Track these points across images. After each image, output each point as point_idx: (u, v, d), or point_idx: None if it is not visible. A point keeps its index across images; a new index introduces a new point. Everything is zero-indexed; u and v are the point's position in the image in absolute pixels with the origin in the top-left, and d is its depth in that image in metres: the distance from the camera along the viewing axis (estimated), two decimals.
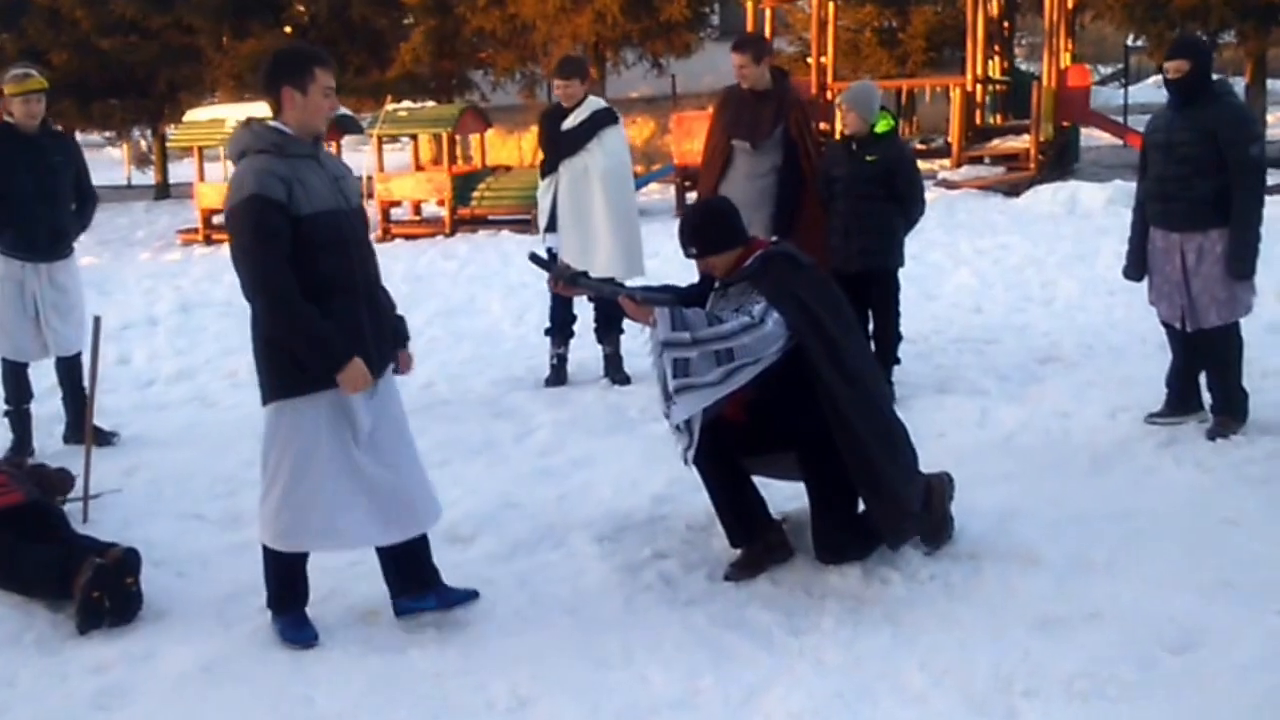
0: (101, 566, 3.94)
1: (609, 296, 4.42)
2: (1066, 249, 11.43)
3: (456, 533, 4.78)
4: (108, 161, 29.79)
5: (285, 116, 3.78)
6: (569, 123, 7.12)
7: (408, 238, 15.12)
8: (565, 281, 4.55)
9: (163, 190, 23.44)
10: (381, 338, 3.98)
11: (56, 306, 6.19)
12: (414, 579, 4.09)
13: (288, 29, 21.56)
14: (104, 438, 6.31)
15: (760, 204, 6.68)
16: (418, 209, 16.37)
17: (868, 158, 6.48)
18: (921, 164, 17.74)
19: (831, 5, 18.09)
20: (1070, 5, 17.87)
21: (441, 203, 15.41)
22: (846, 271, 6.63)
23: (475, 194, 15.28)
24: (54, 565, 4.06)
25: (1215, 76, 5.78)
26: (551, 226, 7.20)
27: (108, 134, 25.96)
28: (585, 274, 4.78)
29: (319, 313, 3.70)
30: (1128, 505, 4.88)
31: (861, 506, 4.38)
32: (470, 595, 4.17)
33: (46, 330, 6.16)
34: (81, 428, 6.31)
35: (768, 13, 18.14)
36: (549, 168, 7.19)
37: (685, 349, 4.10)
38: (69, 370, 6.35)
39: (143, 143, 27.86)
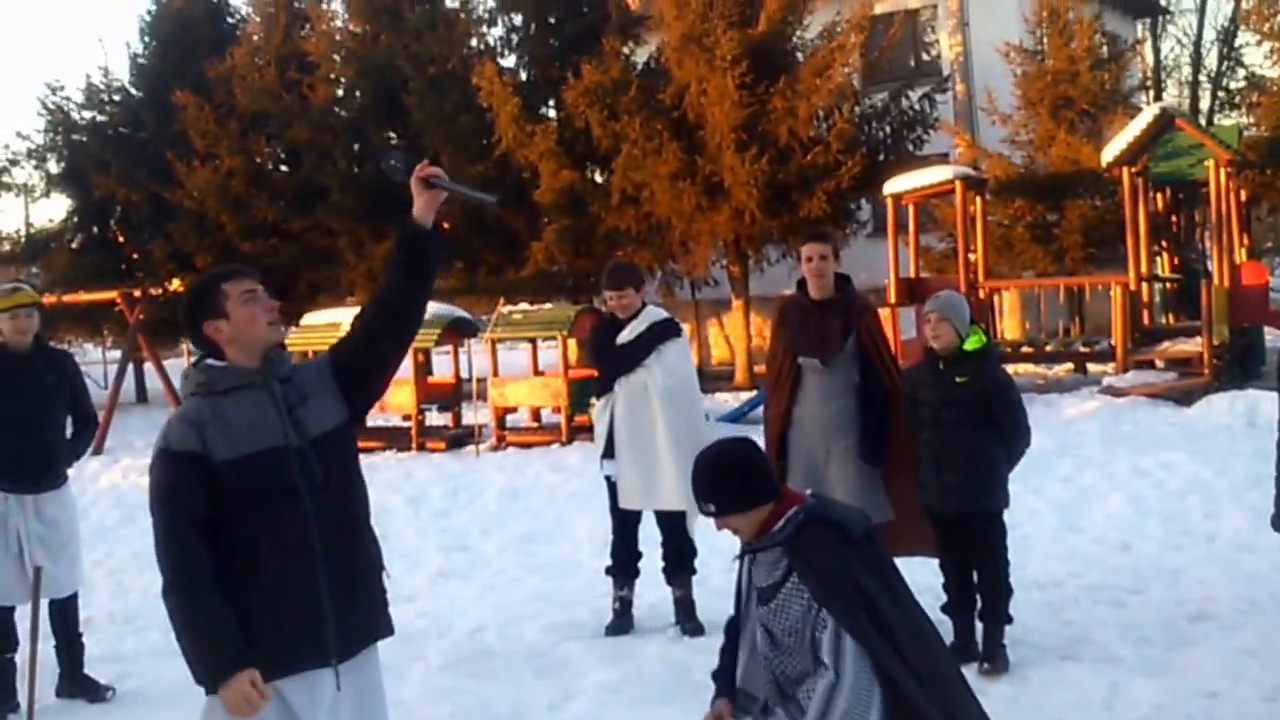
0: None
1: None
2: (1240, 469, 10.27)
3: None
4: None
5: (226, 352, 3.34)
6: (625, 335, 6.63)
7: (523, 446, 14.77)
8: None
9: None
10: (354, 612, 3.31)
11: (45, 543, 5.80)
12: None
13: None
14: (97, 693, 5.88)
15: (842, 430, 6.04)
16: (536, 415, 16.09)
17: (958, 379, 5.79)
18: (1090, 367, 17.00)
19: (979, 200, 17.53)
20: (1244, 198, 16.93)
21: (558, 410, 15.08)
22: (941, 512, 5.90)
23: (590, 403, 14.91)
24: None
25: None
26: (610, 452, 6.64)
27: None
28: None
29: (220, 601, 3.11)
30: None
31: None
32: None
33: (33, 570, 5.73)
34: (75, 680, 5.94)
35: (911, 209, 17.69)
36: (604, 386, 6.69)
37: None
38: (61, 614, 5.94)
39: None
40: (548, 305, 16.67)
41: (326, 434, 3.33)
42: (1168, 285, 18.05)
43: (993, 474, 5.84)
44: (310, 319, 16.69)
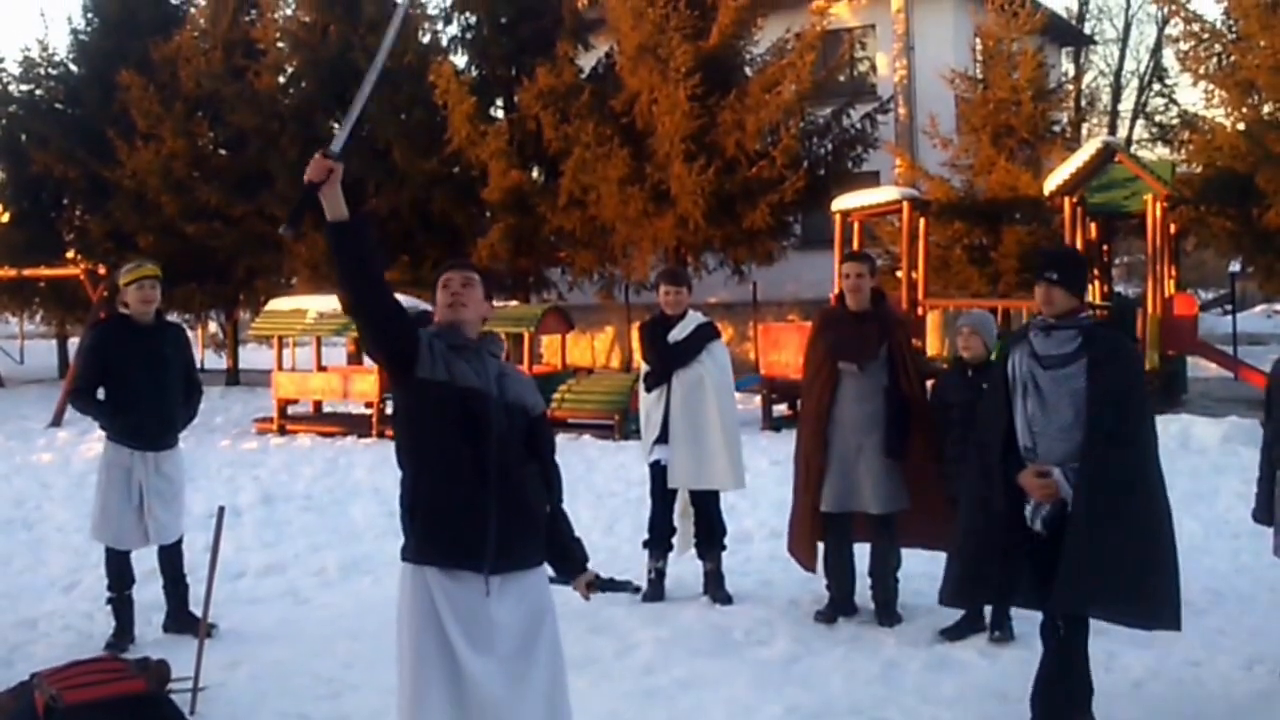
0: None
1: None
2: (1184, 486, 11.37)
3: None
4: None
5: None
6: (675, 334, 7.46)
7: None
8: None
9: (233, 377, 24.26)
10: (512, 535, 3.98)
11: (161, 495, 6.55)
12: None
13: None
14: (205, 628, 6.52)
15: (872, 428, 6.87)
16: None
17: (984, 385, 6.71)
18: None
19: (923, 220, 18.62)
20: (1173, 231, 18.25)
21: None
22: None
23: (556, 396, 15.65)
24: None
25: None
26: (661, 438, 7.45)
27: (186, 317, 27.12)
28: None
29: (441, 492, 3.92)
30: None
31: None
32: None
33: (149, 519, 6.49)
34: (180, 617, 6.60)
35: (855, 225, 18.72)
36: (658, 379, 7.48)
37: None
38: (169, 558, 6.66)
39: (214, 326, 28.97)
40: (513, 302, 17.34)
41: (516, 404, 4.09)
42: (1097, 313, 19.29)
43: None
44: (275, 305, 17.19)
